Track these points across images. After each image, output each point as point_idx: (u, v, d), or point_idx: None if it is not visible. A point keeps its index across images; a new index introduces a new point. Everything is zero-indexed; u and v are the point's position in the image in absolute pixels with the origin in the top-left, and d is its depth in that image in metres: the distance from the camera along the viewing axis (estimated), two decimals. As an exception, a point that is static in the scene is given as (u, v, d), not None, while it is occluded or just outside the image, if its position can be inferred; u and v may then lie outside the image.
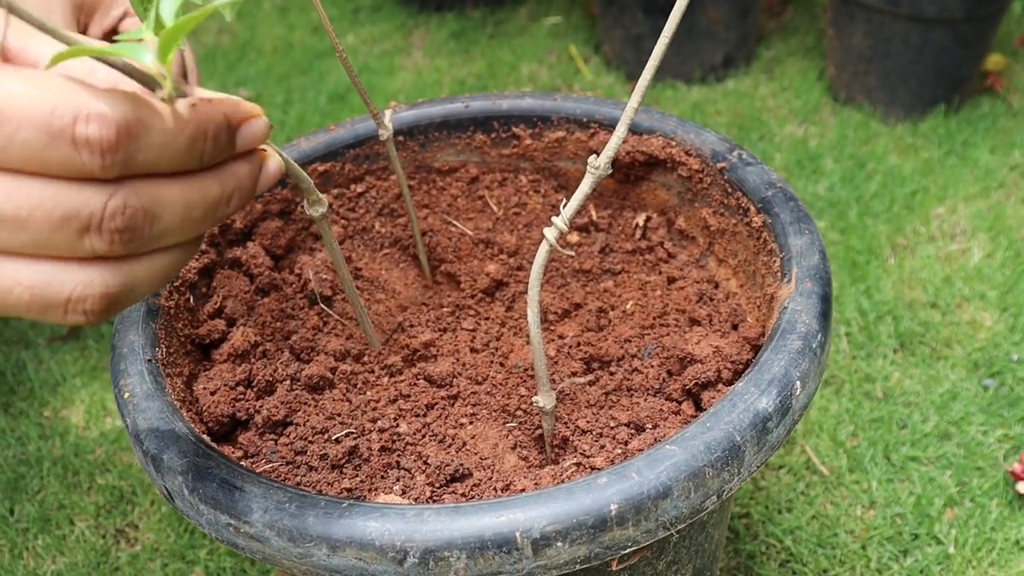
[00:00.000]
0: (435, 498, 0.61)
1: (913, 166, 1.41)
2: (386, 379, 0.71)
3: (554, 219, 0.59)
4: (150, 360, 0.65)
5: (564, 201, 0.59)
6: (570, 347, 0.72)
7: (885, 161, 1.42)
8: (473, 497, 0.61)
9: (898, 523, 0.96)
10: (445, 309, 0.77)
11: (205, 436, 0.61)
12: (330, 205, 0.83)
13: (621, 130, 0.58)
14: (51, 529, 1.01)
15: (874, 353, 1.14)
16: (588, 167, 0.59)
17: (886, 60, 1.46)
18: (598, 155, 0.60)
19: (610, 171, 0.58)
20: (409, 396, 0.69)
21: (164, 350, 0.68)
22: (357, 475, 0.63)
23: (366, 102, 0.70)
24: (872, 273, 1.23)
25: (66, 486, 1.05)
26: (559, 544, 0.52)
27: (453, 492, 0.62)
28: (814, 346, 0.61)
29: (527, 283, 0.79)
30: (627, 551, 0.54)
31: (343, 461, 0.65)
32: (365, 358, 0.73)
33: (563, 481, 0.60)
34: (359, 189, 0.84)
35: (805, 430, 1.05)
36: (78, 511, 1.03)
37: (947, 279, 1.22)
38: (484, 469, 0.63)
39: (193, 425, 0.62)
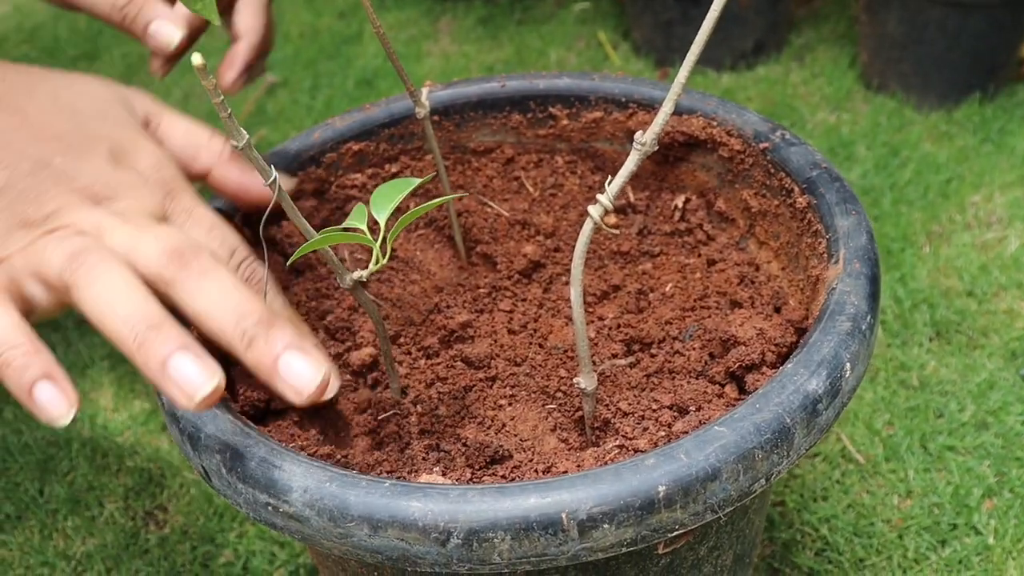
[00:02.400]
0: (476, 480, 0.61)
1: (948, 154, 1.38)
2: (423, 361, 0.70)
3: (599, 196, 0.58)
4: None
5: (609, 180, 0.58)
6: (610, 329, 0.71)
7: (919, 149, 1.40)
8: (514, 479, 0.60)
9: (936, 513, 0.95)
10: (482, 290, 0.76)
11: (243, 416, 0.61)
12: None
13: (668, 106, 0.57)
14: (81, 510, 1.01)
15: (909, 341, 1.12)
16: (634, 143, 0.57)
17: (921, 47, 1.44)
18: (636, 133, 0.59)
19: (656, 147, 0.57)
20: (447, 378, 0.68)
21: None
22: (400, 458, 0.62)
23: (403, 79, 0.69)
24: (907, 261, 1.21)
25: (95, 468, 1.05)
26: (606, 526, 0.51)
27: (493, 474, 0.61)
28: (863, 328, 0.60)
29: (564, 264, 0.78)
30: (674, 534, 0.53)
31: (383, 444, 0.64)
32: (401, 339, 0.72)
33: (607, 463, 0.59)
34: (393, 169, 0.83)
35: (840, 418, 1.03)
36: (107, 493, 1.02)
37: (983, 267, 1.20)
38: (524, 451, 0.63)
39: (230, 404, 0.61)
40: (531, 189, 0.83)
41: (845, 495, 0.97)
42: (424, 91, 0.72)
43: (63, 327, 1.21)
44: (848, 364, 0.58)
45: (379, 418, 0.65)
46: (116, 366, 1.16)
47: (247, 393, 0.67)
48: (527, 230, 0.80)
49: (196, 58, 0.48)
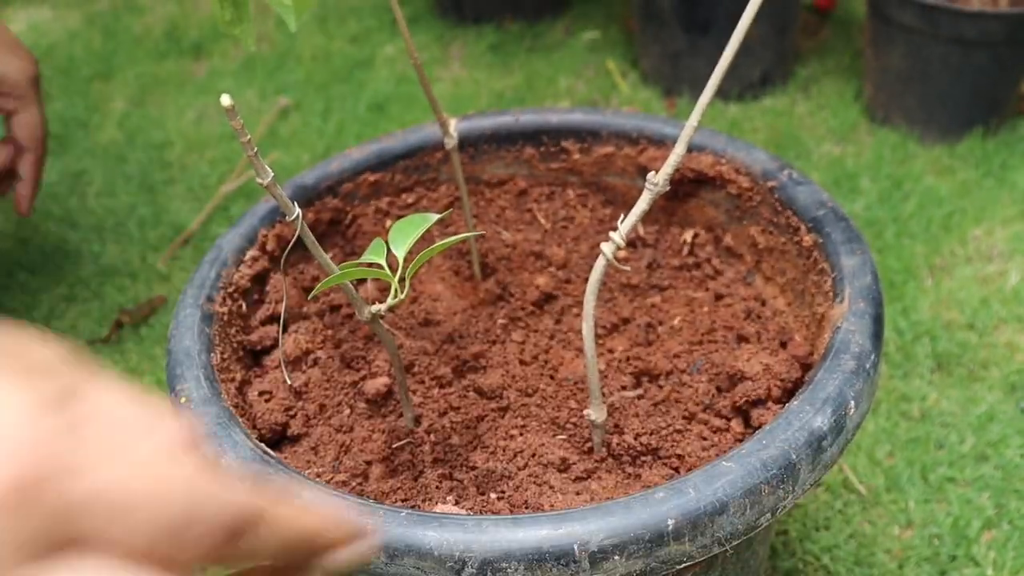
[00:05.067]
0: (488, 510, 0.62)
1: (950, 187, 1.40)
2: (436, 390, 0.72)
3: (612, 234, 0.60)
4: (207, 366, 0.66)
5: (621, 217, 0.60)
6: (619, 361, 0.73)
7: (922, 182, 1.42)
8: (525, 502, 0.62)
9: (935, 544, 0.96)
10: (499, 320, 0.77)
11: (262, 444, 0.62)
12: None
13: (680, 147, 0.59)
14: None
15: (911, 373, 1.14)
16: (647, 183, 0.59)
17: (924, 81, 1.46)
18: (647, 171, 0.61)
19: (668, 187, 0.59)
20: (460, 408, 0.70)
21: (219, 356, 0.68)
22: (414, 487, 0.64)
23: (436, 111, 0.71)
24: (909, 293, 1.23)
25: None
26: (616, 558, 0.52)
27: (506, 504, 0.62)
28: (867, 366, 0.61)
29: (576, 296, 0.79)
30: (682, 566, 0.54)
31: (397, 472, 0.65)
32: (415, 368, 0.73)
33: (617, 495, 0.60)
34: (409, 200, 0.85)
35: (842, 449, 1.05)
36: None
37: (984, 301, 1.22)
38: (536, 482, 0.64)
39: (249, 431, 0.63)
40: (543, 221, 0.85)
41: (847, 525, 0.98)
42: (452, 122, 0.74)
43: (75, 346, 1.23)
44: (852, 402, 0.59)
45: (393, 447, 0.67)
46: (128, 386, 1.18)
47: (265, 418, 0.69)
48: (540, 261, 0.82)
49: (225, 99, 0.50)
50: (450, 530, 0.53)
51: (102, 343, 1.23)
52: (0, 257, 1.36)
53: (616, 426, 0.67)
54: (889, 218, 1.35)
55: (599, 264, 0.60)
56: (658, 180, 0.59)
